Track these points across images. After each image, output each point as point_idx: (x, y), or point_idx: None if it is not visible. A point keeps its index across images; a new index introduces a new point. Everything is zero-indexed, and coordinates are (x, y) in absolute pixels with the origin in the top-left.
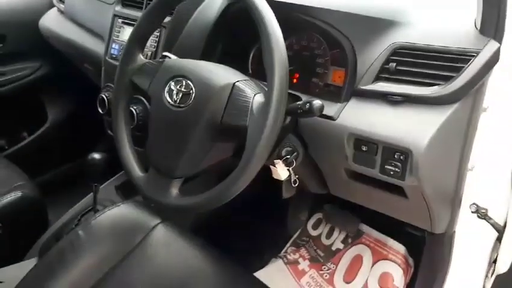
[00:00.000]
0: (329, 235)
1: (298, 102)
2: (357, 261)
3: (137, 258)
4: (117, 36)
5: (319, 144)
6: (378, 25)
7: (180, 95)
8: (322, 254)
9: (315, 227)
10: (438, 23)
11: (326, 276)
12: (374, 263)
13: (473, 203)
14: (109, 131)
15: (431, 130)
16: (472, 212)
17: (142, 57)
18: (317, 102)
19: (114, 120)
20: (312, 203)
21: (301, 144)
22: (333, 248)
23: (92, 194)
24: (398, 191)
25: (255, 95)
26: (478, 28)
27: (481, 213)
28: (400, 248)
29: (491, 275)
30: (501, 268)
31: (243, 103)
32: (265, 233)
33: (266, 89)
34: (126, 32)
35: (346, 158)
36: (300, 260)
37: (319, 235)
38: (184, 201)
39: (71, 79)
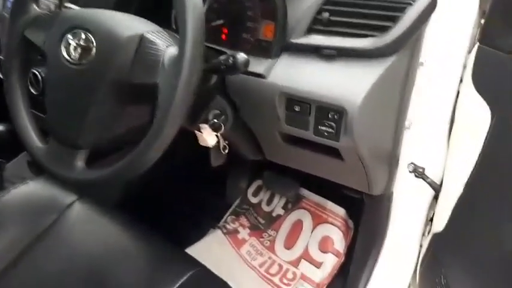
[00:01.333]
0: (269, 202)
1: (221, 57)
2: (297, 226)
3: (50, 240)
4: None
5: (250, 105)
6: None
7: (79, 50)
8: (262, 222)
9: (255, 194)
10: None
11: (267, 243)
12: (314, 227)
13: (411, 163)
14: None
15: (366, 86)
16: (410, 171)
17: (36, 8)
18: (242, 56)
19: (6, 84)
20: (251, 170)
21: (230, 107)
22: (274, 215)
23: None
24: (334, 153)
25: (167, 47)
26: None
27: (418, 173)
28: (340, 210)
29: (428, 233)
30: (437, 226)
31: (153, 57)
32: (203, 204)
33: None
34: None
35: (278, 119)
36: (240, 228)
37: (260, 202)
38: (90, 175)
39: None
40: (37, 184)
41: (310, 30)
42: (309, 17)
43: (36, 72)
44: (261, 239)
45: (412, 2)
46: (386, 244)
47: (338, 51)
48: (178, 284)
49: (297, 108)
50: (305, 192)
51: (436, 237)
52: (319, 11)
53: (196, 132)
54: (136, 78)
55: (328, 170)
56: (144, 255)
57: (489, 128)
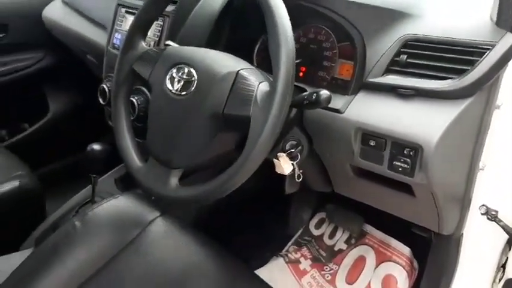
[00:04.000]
0: (332, 235)
1: (304, 93)
2: (360, 262)
3: (134, 252)
4: (120, 26)
5: (324, 138)
6: (388, 16)
7: (182, 83)
8: (324, 254)
9: (318, 226)
10: (451, 15)
11: (328, 276)
12: (377, 265)
13: (483, 205)
14: (110, 122)
15: (443, 125)
16: (482, 213)
17: (144, 44)
18: (324, 93)
19: (113, 110)
20: (315, 201)
21: (306, 138)
22: (336, 248)
23: (90, 186)
24: (406, 189)
25: (259, 84)
26: (494, 20)
27: (491, 215)
28: (405, 249)
29: (499, 280)
30: (511, 272)
31: (247, 92)
32: (266, 231)
33: (271, 79)
34: (129, 22)
35: (352, 154)
36: (302, 259)
37: (322, 235)
38: (183, 193)
39: (73, 71)
40: (125, 199)
41: (388, 71)
42: (387, 58)
43: (134, 100)
44: (323, 272)
45: (490, 47)
46: (456, 278)
47: (415, 91)
48: None
49: (372, 143)
50: (369, 228)
51: (509, 284)
52: (398, 54)
53: (274, 160)
54: (231, 110)
55: (398, 205)
56: (220, 274)
57: None
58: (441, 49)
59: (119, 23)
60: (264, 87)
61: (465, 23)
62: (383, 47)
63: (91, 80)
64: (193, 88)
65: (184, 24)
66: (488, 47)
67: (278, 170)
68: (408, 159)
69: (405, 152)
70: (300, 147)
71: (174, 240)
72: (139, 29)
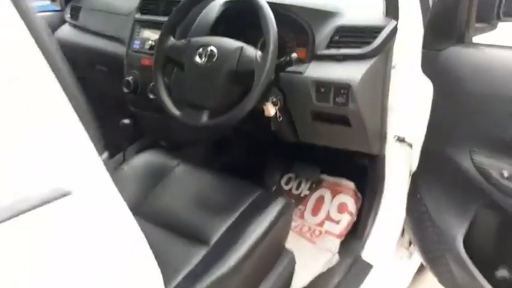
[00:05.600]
0: (298, 187)
1: (281, 59)
2: (320, 200)
3: (165, 186)
4: (138, 35)
5: (293, 92)
6: (327, 15)
7: (207, 57)
8: (293, 201)
9: (287, 183)
10: (361, 11)
11: (298, 214)
12: (333, 198)
13: (396, 135)
14: (131, 108)
15: (361, 72)
16: (395, 140)
17: (173, 39)
18: (294, 55)
19: (155, 83)
20: (283, 166)
21: (281, 94)
22: (302, 195)
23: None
24: (345, 122)
25: (256, 52)
26: (384, 13)
27: (400, 138)
28: (351, 184)
29: (410, 176)
30: (413, 167)
31: (250, 57)
32: None
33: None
34: (145, 33)
35: (311, 99)
36: None
37: (291, 189)
38: (212, 122)
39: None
40: (152, 154)
41: (328, 47)
42: (327, 39)
43: (129, 79)
44: (294, 212)
45: (383, 28)
46: (384, 194)
47: (344, 56)
48: (250, 201)
49: (322, 90)
50: (324, 176)
51: (413, 174)
52: (333, 36)
53: (264, 104)
54: (241, 67)
55: (340, 138)
56: (226, 186)
57: (432, 95)
58: (356, 31)
59: (136, 34)
60: (259, 53)
61: (369, 15)
62: (325, 33)
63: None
64: (214, 59)
65: (191, 29)
66: (382, 28)
67: (266, 113)
68: (344, 95)
69: (342, 91)
70: (278, 98)
71: (193, 175)
72: (170, 29)
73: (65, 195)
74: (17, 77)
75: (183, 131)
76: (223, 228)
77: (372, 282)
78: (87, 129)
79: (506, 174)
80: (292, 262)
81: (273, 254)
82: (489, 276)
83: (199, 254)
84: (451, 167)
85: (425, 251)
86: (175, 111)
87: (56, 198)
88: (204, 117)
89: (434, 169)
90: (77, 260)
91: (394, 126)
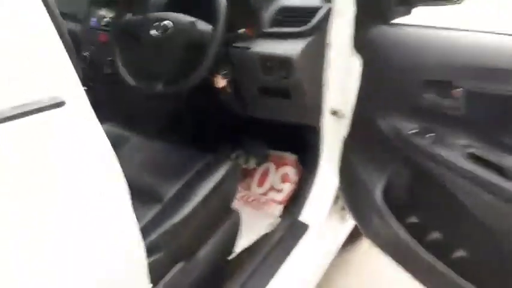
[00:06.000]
0: (246, 162)
1: (230, 34)
2: (265, 172)
3: (120, 156)
4: (94, 13)
5: (241, 66)
6: None
7: (162, 30)
8: (241, 175)
9: (237, 158)
10: None
11: (244, 186)
12: (277, 169)
13: (332, 107)
14: (88, 82)
15: (299, 48)
16: (330, 113)
17: (130, 15)
18: (242, 30)
19: (113, 53)
20: (233, 143)
21: (231, 68)
22: (249, 169)
23: None
24: (287, 95)
25: (208, 26)
26: None
27: (334, 111)
28: (292, 157)
29: None
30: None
31: (202, 30)
32: None
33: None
34: (102, 11)
35: (257, 72)
36: None
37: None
38: (167, 89)
39: None
40: (108, 126)
41: (272, 25)
42: (271, 18)
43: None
44: (241, 184)
45: (319, 9)
46: (321, 161)
47: (286, 34)
48: (201, 164)
49: (268, 64)
50: (271, 151)
51: (344, 140)
52: (276, 15)
53: (215, 77)
54: (193, 38)
55: (284, 111)
56: (179, 154)
57: (361, 69)
58: (296, 11)
59: (92, 12)
60: (210, 27)
61: None
62: (269, 12)
63: None
64: (170, 31)
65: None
66: (317, 9)
67: (216, 85)
68: (285, 69)
69: (283, 65)
70: (228, 72)
71: (146, 145)
72: (127, 4)
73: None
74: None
75: (139, 102)
76: (175, 187)
77: (307, 240)
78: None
79: (413, 131)
80: (238, 220)
81: (221, 211)
82: (402, 223)
83: (152, 211)
84: (374, 130)
85: (353, 208)
86: (132, 82)
87: (51, 107)
88: (159, 86)
89: (361, 133)
90: (67, 166)
91: (329, 100)
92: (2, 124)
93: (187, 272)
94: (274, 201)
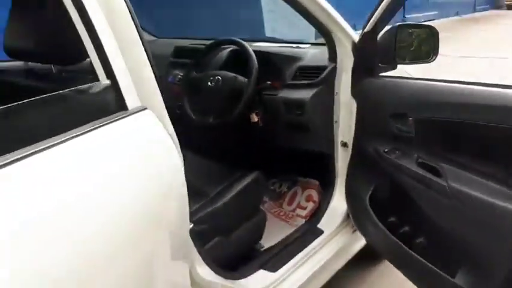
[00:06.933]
0: (279, 187)
1: (261, 85)
2: (294, 194)
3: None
4: (171, 72)
5: (271, 108)
6: (293, 59)
7: (215, 82)
8: (275, 196)
9: (272, 185)
10: (314, 57)
11: (278, 205)
12: (303, 192)
13: (341, 140)
14: None
15: (311, 94)
16: (340, 144)
17: (195, 73)
18: (268, 82)
19: (183, 100)
20: (268, 173)
21: (263, 109)
22: (282, 192)
23: None
24: (304, 129)
25: (244, 79)
26: (328, 58)
27: (343, 142)
28: (316, 182)
29: None
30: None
31: (241, 82)
32: None
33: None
34: (176, 71)
35: (281, 111)
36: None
37: (275, 188)
38: (215, 121)
39: None
40: None
41: (292, 78)
42: (292, 74)
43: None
44: (275, 203)
45: (327, 67)
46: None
47: (302, 85)
48: (239, 174)
49: (288, 105)
50: (298, 178)
51: (348, 164)
52: (296, 72)
53: (251, 114)
54: (235, 88)
55: (304, 142)
56: (223, 167)
57: (356, 110)
58: (310, 69)
59: (170, 71)
60: (246, 80)
61: (319, 60)
62: (291, 70)
63: None
64: (220, 84)
65: (209, 66)
66: (325, 67)
67: (252, 120)
68: (301, 108)
69: (300, 106)
70: (260, 110)
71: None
72: (193, 66)
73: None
74: None
75: (197, 132)
76: (218, 188)
77: (321, 241)
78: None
79: (386, 150)
80: (264, 217)
81: (250, 207)
82: (384, 222)
83: (201, 202)
84: (364, 153)
85: (353, 215)
86: (193, 116)
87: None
88: (211, 119)
89: (357, 158)
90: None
91: (340, 134)
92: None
93: (222, 245)
94: (299, 216)
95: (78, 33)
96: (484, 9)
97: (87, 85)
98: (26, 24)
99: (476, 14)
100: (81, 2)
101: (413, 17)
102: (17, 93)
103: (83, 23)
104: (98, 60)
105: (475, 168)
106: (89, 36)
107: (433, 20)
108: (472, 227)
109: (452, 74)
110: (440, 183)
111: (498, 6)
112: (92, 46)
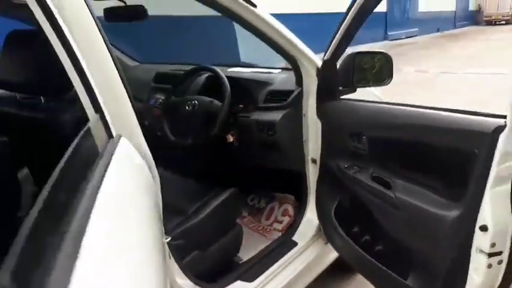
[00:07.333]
0: (258, 202)
1: (235, 107)
2: (272, 209)
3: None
4: (152, 96)
5: (245, 129)
6: (263, 84)
7: (192, 106)
8: (253, 212)
9: (251, 200)
10: (283, 82)
11: (256, 219)
12: (280, 206)
13: (311, 157)
14: None
15: (280, 115)
16: (311, 161)
17: (174, 97)
18: (240, 106)
19: (163, 122)
20: (246, 189)
21: (238, 130)
22: (260, 207)
23: None
24: (276, 148)
25: (219, 103)
26: (295, 82)
27: (313, 159)
28: (292, 197)
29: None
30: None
31: (216, 105)
32: None
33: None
34: (157, 95)
35: (254, 132)
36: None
37: (254, 204)
38: (194, 141)
39: None
40: None
41: (264, 101)
42: (263, 98)
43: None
44: (254, 217)
45: (294, 91)
46: (308, 197)
47: (273, 107)
48: (217, 190)
49: (260, 126)
50: (275, 194)
51: (317, 180)
52: (266, 95)
53: (226, 135)
54: (211, 111)
55: (277, 160)
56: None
57: (321, 129)
58: (280, 93)
59: (151, 95)
60: (220, 103)
61: (287, 84)
62: (262, 94)
63: None
64: (196, 107)
65: (187, 91)
66: (292, 91)
67: (227, 140)
68: (272, 129)
69: (270, 127)
70: (235, 131)
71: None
72: (172, 91)
73: None
74: None
75: (175, 153)
76: (196, 204)
77: (295, 253)
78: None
79: (346, 166)
80: (241, 231)
81: (227, 222)
82: (349, 233)
83: (179, 219)
84: (329, 169)
85: (324, 229)
86: (172, 137)
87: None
88: (189, 140)
89: (323, 173)
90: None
91: (310, 152)
92: None
93: (201, 259)
94: (276, 229)
95: (64, 69)
96: (463, 25)
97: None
98: (17, 60)
99: (456, 30)
100: (70, 46)
101: (395, 33)
102: (7, 121)
103: (72, 64)
104: (86, 95)
105: (419, 181)
106: (77, 75)
107: (415, 36)
108: (415, 233)
109: (433, 90)
110: (389, 194)
111: (477, 22)
112: (80, 82)
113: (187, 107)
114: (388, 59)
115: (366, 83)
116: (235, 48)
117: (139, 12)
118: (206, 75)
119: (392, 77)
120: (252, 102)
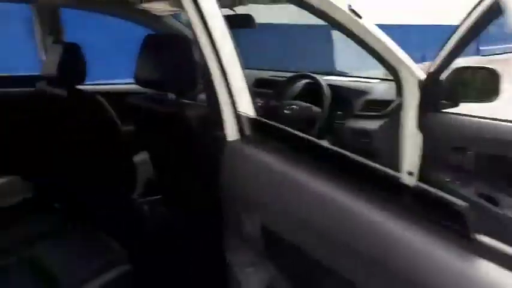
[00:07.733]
0: None
1: (332, 113)
2: None
3: None
4: None
5: (339, 135)
6: (361, 92)
7: (291, 110)
8: None
9: None
10: (382, 92)
11: None
12: None
13: (408, 170)
14: None
15: (377, 125)
16: (407, 173)
17: (274, 102)
18: (339, 113)
19: None
20: None
21: (333, 136)
22: None
23: None
24: (371, 155)
25: (318, 109)
26: (396, 93)
27: (409, 172)
28: None
29: None
30: None
31: (315, 111)
32: None
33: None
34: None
35: (351, 138)
36: None
37: None
38: None
39: None
40: None
41: (361, 109)
42: (360, 105)
43: None
44: None
45: (393, 101)
46: None
47: (370, 116)
48: None
49: (356, 135)
50: None
51: None
52: (363, 104)
53: (322, 140)
54: (309, 116)
55: None
56: None
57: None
58: (378, 103)
59: None
60: (319, 109)
61: (387, 94)
62: (359, 102)
63: None
64: (295, 111)
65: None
66: (392, 101)
67: None
68: (368, 137)
69: (367, 135)
70: (330, 138)
71: None
72: (273, 96)
73: None
74: None
75: None
76: None
77: None
78: None
79: (447, 180)
80: None
81: None
82: None
83: None
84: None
85: None
86: None
87: None
88: None
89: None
90: None
91: (405, 163)
92: None
93: None
94: None
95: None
96: None
97: None
98: (153, 60)
99: None
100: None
101: (488, 49)
102: (141, 114)
103: (217, 68)
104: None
105: None
106: (223, 79)
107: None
108: None
109: None
110: (496, 211)
111: None
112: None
113: (286, 111)
114: (495, 75)
115: (470, 99)
116: (331, 57)
117: (248, 21)
118: (304, 81)
119: (498, 95)
120: (348, 110)
